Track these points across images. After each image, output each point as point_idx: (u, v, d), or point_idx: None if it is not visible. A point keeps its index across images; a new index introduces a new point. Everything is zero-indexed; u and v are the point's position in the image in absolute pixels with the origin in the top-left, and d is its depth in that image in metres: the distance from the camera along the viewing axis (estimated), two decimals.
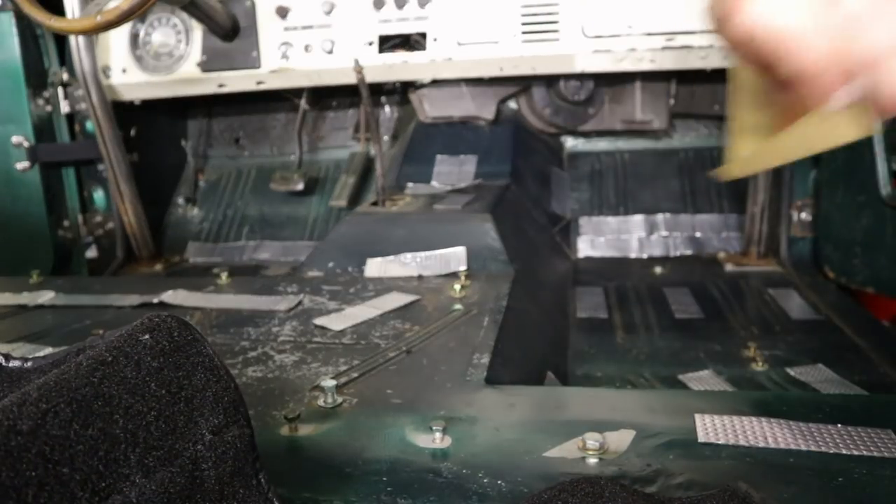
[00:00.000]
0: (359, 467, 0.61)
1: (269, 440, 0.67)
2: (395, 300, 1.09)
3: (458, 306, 1.05)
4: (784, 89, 0.47)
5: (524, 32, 1.62)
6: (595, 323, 1.35)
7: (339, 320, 1.01)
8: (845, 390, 1.01)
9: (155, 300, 1.14)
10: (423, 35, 1.66)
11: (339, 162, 2.02)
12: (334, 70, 1.69)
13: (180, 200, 2.08)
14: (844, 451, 0.59)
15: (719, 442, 0.62)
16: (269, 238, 1.96)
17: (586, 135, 1.95)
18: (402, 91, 1.96)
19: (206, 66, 1.74)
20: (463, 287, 1.12)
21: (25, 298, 1.22)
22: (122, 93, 1.79)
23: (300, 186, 1.89)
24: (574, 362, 1.19)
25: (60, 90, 1.80)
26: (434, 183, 1.72)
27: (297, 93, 1.91)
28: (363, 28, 1.67)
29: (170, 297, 1.15)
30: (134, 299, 1.16)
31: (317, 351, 0.90)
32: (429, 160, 1.78)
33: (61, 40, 1.78)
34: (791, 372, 1.08)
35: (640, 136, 1.92)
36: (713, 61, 1.57)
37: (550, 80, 1.83)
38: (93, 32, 1.29)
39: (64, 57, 1.79)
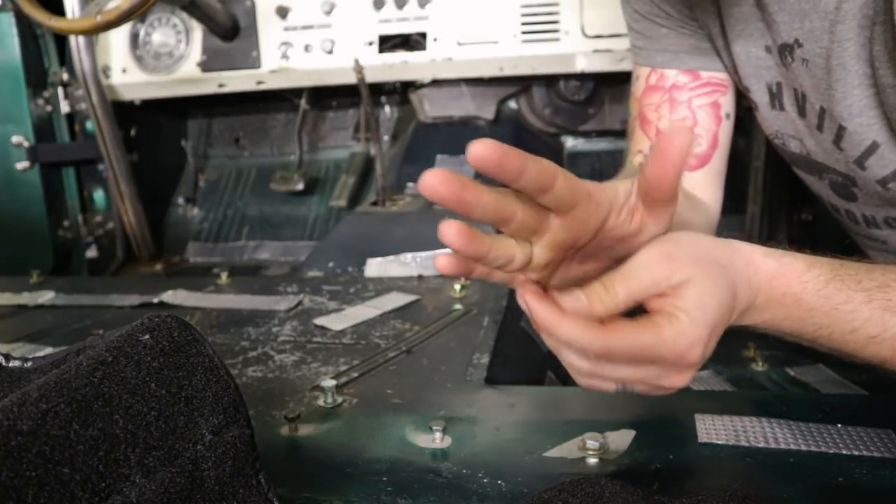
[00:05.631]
0: (359, 467, 0.61)
1: (269, 440, 0.66)
2: (395, 300, 1.09)
3: (458, 306, 1.05)
4: None
5: (524, 32, 1.61)
6: None
7: (339, 320, 1.01)
8: (845, 390, 1.01)
9: (155, 300, 1.14)
10: (423, 35, 1.65)
11: (339, 162, 2.02)
12: (334, 70, 1.69)
13: (180, 200, 2.07)
14: (844, 451, 0.59)
15: (719, 442, 0.62)
16: (269, 238, 1.96)
17: (586, 135, 1.95)
18: (402, 91, 1.95)
19: (206, 66, 1.74)
20: (463, 287, 1.12)
21: (25, 298, 1.22)
22: (122, 93, 1.79)
23: (300, 186, 1.89)
24: None
25: (60, 90, 1.80)
26: None
27: (297, 93, 1.91)
28: (363, 28, 1.67)
29: (170, 297, 1.15)
30: (134, 299, 1.16)
31: (317, 351, 0.90)
32: (429, 160, 1.78)
33: (61, 40, 1.78)
34: (791, 372, 1.08)
35: None
36: None
37: (550, 80, 1.82)
38: (93, 32, 1.29)
39: (64, 57, 1.78)
